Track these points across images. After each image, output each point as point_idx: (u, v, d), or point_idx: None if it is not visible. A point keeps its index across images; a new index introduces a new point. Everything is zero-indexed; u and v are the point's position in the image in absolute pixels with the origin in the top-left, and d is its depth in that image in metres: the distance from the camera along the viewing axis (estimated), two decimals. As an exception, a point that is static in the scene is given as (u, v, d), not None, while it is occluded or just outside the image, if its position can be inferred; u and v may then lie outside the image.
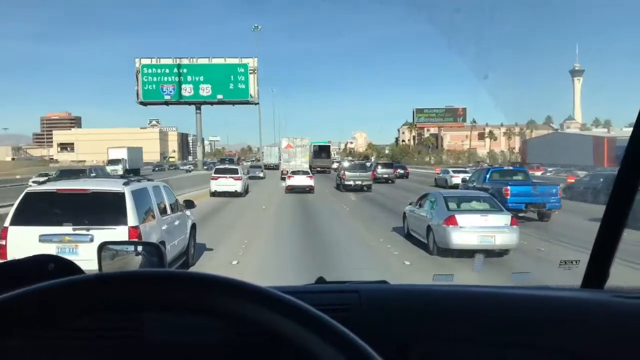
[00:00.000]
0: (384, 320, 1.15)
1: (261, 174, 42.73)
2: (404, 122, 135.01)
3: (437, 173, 38.91)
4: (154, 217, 7.91)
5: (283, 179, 32.95)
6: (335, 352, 0.58)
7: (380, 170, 37.78)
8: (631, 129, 1.36)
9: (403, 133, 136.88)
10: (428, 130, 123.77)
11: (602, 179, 21.45)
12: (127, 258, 1.63)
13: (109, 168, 50.64)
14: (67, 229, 6.85)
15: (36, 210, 7.08)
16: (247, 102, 52.54)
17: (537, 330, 1.12)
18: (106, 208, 7.10)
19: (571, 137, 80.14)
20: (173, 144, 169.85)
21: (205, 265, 9.62)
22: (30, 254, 1.14)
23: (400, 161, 72.93)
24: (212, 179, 26.29)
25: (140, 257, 1.59)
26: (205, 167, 53.71)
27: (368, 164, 40.09)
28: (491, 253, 10.29)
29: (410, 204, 13.32)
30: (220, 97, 51.37)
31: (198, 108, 52.64)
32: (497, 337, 1.13)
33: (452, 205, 11.13)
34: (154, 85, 50.73)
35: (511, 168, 22.64)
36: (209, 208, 19.38)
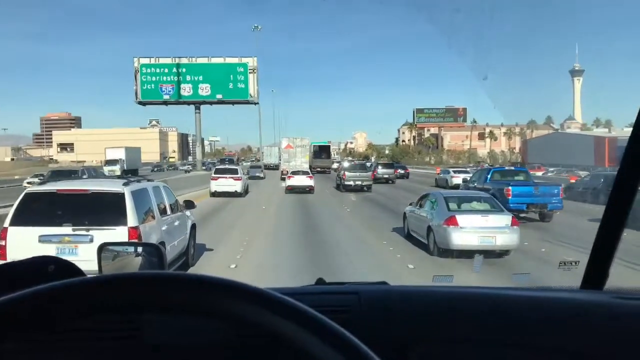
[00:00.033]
0: (383, 322, 1.15)
1: (261, 174, 42.74)
2: (404, 122, 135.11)
3: (438, 173, 38.82)
4: (153, 217, 7.90)
5: (283, 179, 32.96)
6: (334, 354, 0.58)
7: (380, 170, 37.78)
8: (632, 129, 1.36)
9: (403, 133, 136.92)
10: (428, 130, 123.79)
11: (602, 179, 21.45)
12: (127, 259, 1.63)
13: (106, 168, 50.22)
14: (66, 230, 6.84)
15: (36, 210, 7.06)
16: (247, 102, 52.45)
17: (536, 331, 1.12)
18: (106, 208, 7.08)
19: (572, 137, 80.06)
20: (173, 144, 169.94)
21: (204, 266, 9.62)
22: (30, 255, 1.14)
23: (400, 161, 72.90)
24: (212, 179, 26.31)
25: (140, 258, 1.60)
26: (203, 168, 53.53)
27: (368, 164, 40.11)
28: (491, 253, 10.28)
29: (411, 204, 13.31)
30: (219, 96, 51.26)
31: (197, 108, 52.51)
32: (497, 338, 1.13)
33: (453, 206, 11.11)
34: (152, 85, 50.63)
35: (512, 168, 22.55)
36: (209, 208, 19.40)
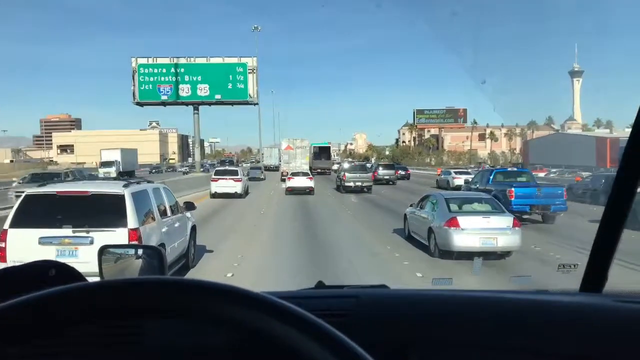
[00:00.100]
0: (382, 325, 1.15)
1: (261, 176, 42.76)
2: (405, 123, 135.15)
3: (439, 174, 38.83)
4: (153, 219, 7.90)
5: (283, 180, 32.98)
6: (332, 358, 0.59)
7: (381, 171, 37.80)
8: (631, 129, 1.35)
9: (403, 134, 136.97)
10: (428, 131, 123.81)
11: (603, 180, 21.41)
12: (128, 262, 1.63)
13: (101, 170, 49.77)
14: (66, 231, 6.82)
15: (36, 212, 7.05)
16: (246, 103, 51.94)
17: (535, 335, 1.12)
18: (106, 210, 7.07)
19: (573, 138, 79.82)
20: (173, 146, 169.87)
21: (204, 268, 9.62)
22: (30, 257, 1.15)
23: (401, 162, 72.85)
24: (212, 180, 26.36)
25: (140, 260, 1.60)
26: (202, 170, 53.13)
27: (368, 165, 40.11)
28: (492, 255, 10.26)
29: (411, 205, 13.30)
30: (218, 97, 50.71)
31: (196, 109, 51.90)
32: (496, 341, 1.13)
33: (454, 207, 11.09)
34: (150, 86, 49.92)
35: (515, 169, 22.44)
36: (209, 210, 19.41)
